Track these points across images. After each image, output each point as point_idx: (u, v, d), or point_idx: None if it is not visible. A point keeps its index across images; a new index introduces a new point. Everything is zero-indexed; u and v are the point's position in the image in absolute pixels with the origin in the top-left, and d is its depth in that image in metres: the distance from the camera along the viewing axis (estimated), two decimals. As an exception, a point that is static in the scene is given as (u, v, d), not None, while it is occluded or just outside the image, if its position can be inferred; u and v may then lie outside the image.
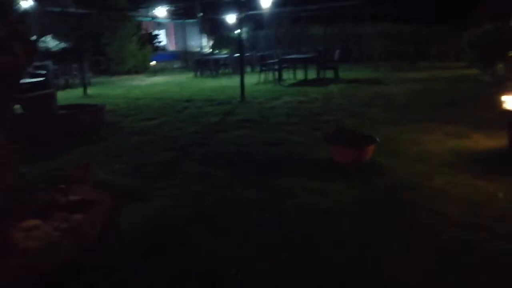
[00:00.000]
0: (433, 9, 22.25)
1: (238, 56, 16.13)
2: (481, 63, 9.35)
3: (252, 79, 12.63)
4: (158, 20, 21.68)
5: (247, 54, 17.43)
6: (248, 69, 16.70)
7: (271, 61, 12.59)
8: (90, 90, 11.63)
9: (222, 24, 24.97)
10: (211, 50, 25.78)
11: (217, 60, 15.49)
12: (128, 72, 17.98)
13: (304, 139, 4.96)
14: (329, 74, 12.06)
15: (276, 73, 11.94)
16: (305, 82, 11.52)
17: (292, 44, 23.99)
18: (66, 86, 12.39)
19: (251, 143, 4.88)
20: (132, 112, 7.54)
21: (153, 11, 17.63)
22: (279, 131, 5.41)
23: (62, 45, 17.65)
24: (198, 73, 15.10)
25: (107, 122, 6.62)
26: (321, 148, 4.36)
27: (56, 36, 16.81)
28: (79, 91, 11.35)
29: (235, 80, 12.95)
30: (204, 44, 26.71)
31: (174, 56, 24.44)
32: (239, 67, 8.70)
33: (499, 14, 19.74)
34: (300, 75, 12.76)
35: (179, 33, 26.11)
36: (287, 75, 12.78)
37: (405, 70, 13.69)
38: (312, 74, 11.93)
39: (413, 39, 21.51)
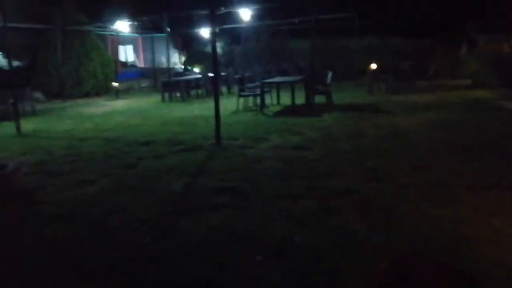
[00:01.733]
0: (420, 22, 21.04)
1: (212, 76, 14.31)
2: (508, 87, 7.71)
3: (229, 104, 10.74)
4: (122, 35, 19.56)
5: (223, 73, 15.57)
6: (224, 89, 14.81)
7: (251, 84, 10.70)
8: (29, 124, 9.42)
9: (195, 39, 23.08)
10: (183, 66, 23.80)
11: (188, 82, 13.51)
12: (87, 94, 15.76)
13: (320, 240, 3.03)
14: (320, 98, 10.29)
15: (257, 98, 10.06)
16: (292, 110, 9.67)
17: (271, 59, 22.30)
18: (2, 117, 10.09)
19: (234, 255, 2.91)
20: (66, 168, 5.46)
21: (114, 25, 15.51)
22: (276, 218, 3.47)
23: (15, 63, 15.35)
24: (167, 97, 13.06)
25: (22, 188, 4.54)
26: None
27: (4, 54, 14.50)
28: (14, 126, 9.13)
29: (208, 107, 10.98)
30: (175, 60, 24.72)
31: (142, 73, 22.32)
32: (213, 89, 6.76)
33: (492, 28, 18.65)
34: (285, 98, 10.94)
35: (149, 48, 24.05)
36: (270, 98, 10.93)
37: (403, 91, 12.06)
38: (299, 97, 10.08)
39: (404, 54, 20.23)
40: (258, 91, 10.08)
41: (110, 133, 7.91)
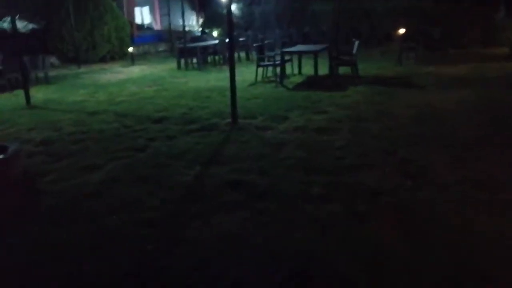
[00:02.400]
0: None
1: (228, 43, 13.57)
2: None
3: (247, 73, 10.21)
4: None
5: (241, 38, 14.84)
6: (242, 54, 14.14)
7: (271, 53, 10.03)
8: (41, 93, 9.13)
9: (213, 0, 22.09)
10: (201, 29, 22.98)
11: (204, 48, 12.88)
12: (103, 59, 15.35)
13: (347, 259, 2.60)
14: (344, 68, 9.61)
15: (278, 68, 9.44)
16: (315, 82, 9.05)
17: (293, 22, 21.25)
18: (15, 85, 9.78)
19: (247, 274, 2.52)
20: (72, 149, 5.12)
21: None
22: (297, 226, 3.04)
23: (31, 26, 14.97)
24: (183, 63, 12.52)
25: (22, 174, 4.23)
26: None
27: (23, 17, 14.10)
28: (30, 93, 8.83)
29: (226, 76, 10.30)
30: (193, 23, 23.89)
31: (159, 37, 21.66)
32: (229, 59, 6.20)
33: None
34: (307, 67, 10.30)
35: (165, 9, 23.20)
36: (291, 68, 10.30)
37: (435, 61, 11.19)
38: (322, 66, 9.40)
39: (434, 17, 18.91)
40: (278, 61, 9.44)
41: (122, 106, 7.51)
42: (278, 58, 9.56)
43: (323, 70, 9.58)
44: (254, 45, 9.86)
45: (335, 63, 9.05)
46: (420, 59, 11.56)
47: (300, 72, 10.36)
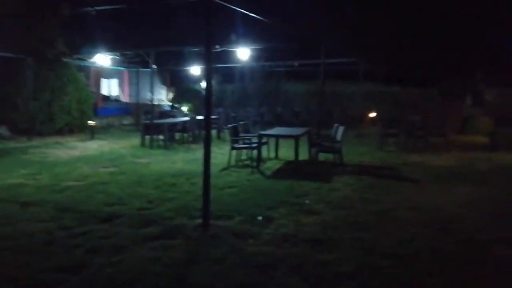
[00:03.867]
0: (423, 71, 20.13)
1: (201, 120, 12.76)
2: None
3: (218, 155, 9.16)
4: (107, 67, 18.06)
5: (213, 116, 14.05)
6: (213, 133, 13.21)
7: (246, 135, 9.13)
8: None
9: (185, 75, 21.75)
10: (170, 104, 22.32)
11: (173, 125, 11.89)
12: (60, 132, 14.00)
13: None
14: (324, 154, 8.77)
15: (254, 152, 8.48)
16: (295, 169, 8.10)
17: (265, 101, 20.99)
18: None
19: None
20: (-22, 263, 3.68)
21: (94, 58, 14.03)
22: None
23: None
24: (148, 140, 11.39)
25: None
26: None
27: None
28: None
29: (195, 157, 9.38)
30: (162, 97, 23.27)
31: (126, 109, 20.71)
32: (204, 144, 5.00)
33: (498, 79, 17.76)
34: (283, 150, 9.46)
35: (136, 82, 22.59)
36: (267, 150, 9.38)
37: (417, 149, 10.64)
38: (300, 151, 8.52)
39: (406, 103, 19.18)
40: (254, 144, 8.51)
41: (66, 195, 6.12)
42: (254, 140, 8.66)
43: (302, 154, 8.69)
44: (229, 126, 8.95)
45: (318, 149, 8.19)
46: (402, 146, 11.02)
47: (276, 156, 9.44)
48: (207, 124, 4.68)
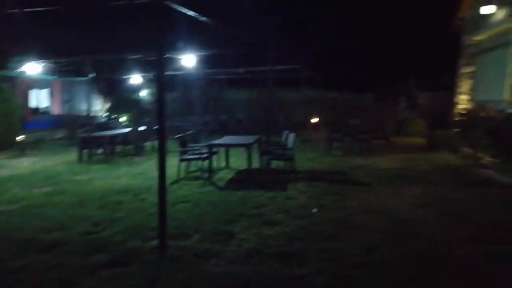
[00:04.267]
0: (360, 77, 20.98)
1: (144, 131, 12.16)
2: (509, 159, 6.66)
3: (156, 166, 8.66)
4: (36, 77, 16.73)
5: (156, 127, 13.46)
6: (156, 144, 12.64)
7: (195, 145, 8.78)
8: None
9: (123, 84, 20.81)
10: (107, 115, 21.18)
11: (113, 137, 11.19)
12: (-17, 148, 12.63)
13: None
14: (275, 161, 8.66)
15: (202, 162, 8.15)
16: (248, 178, 7.90)
17: (207, 109, 20.65)
18: None
19: None
20: None
21: (23, 67, 12.90)
22: None
23: None
24: (86, 155, 10.60)
25: None
26: None
27: None
28: None
29: (140, 171, 8.85)
30: (99, 108, 22.05)
31: (58, 122, 19.29)
32: (159, 167, 4.70)
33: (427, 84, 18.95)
34: (233, 159, 9.26)
35: (67, 93, 21.15)
36: (217, 160, 9.10)
37: (362, 152, 10.92)
38: (244, 158, 8.35)
39: (345, 108, 19.79)
40: (204, 154, 8.19)
41: (-4, 221, 5.42)
42: (202, 150, 8.34)
43: (253, 163, 8.53)
44: (176, 136, 8.55)
45: (270, 157, 8.07)
46: (347, 150, 11.26)
47: (227, 166, 9.19)
48: (161, 134, 4.32)
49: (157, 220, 4.31)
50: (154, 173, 8.40)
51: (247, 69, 15.35)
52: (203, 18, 5.85)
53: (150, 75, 17.46)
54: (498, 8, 11.32)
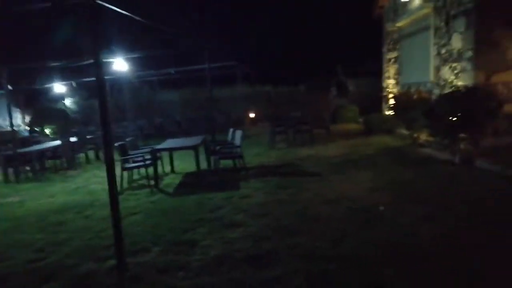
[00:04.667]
0: (292, 70, 21.33)
1: (76, 142, 11.20)
2: (445, 137, 7.04)
3: (105, 178, 8.10)
4: None
5: (89, 136, 12.63)
6: (89, 154, 11.86)
7: (136, 152, 8.29)
8: None
9: (43, 94, 19.28)
10: (28, 128, 19.50)
11: (41, 153, 10.25)
12: None
13: None
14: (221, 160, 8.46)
15: (149, 170, 7.71)
16: (198, 181, 7.63)
17: (140, 113, 19.80)
18: None
19: None
20: None
21: None
22: None
23: None
24: (12, 175, 9.59)
25: None
26: None
27: None
28: None
29: (76, 186, 8.17)
30: (19, 121, 20.22)
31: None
32: (108, 173, 4.28)
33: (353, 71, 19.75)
34: (178, 162, 8.92)
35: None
36: (161, 166, 8.69)
37: (305, 143, 11.06)
38: (191, 161, 8.07)
39: (281, 101, 20.01)
40: (148, 160, 7.76)
41: None
42: (146, 156, 7.89)
43: (193, 165, 8.27)
44: (116, 144, 7.99)
45: (219, 156, 7.83)
46: (291, 142, 11.35)
47: (173, 170, 8.81)
48: (106, 142, 3.93)
49: (110, 237, 3.94)
50: (94, 186, 7.89)
51: (179, 68, 14.87)
52: (138, 18, 5.44)
53: (74, 82, 16.30)
54: (415, -5, 12.02)
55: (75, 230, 5.31)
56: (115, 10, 4.54)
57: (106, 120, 3.88)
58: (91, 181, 8.63)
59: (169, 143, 8.47)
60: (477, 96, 6.46)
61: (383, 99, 15.88)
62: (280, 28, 22.83)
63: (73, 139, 11.50)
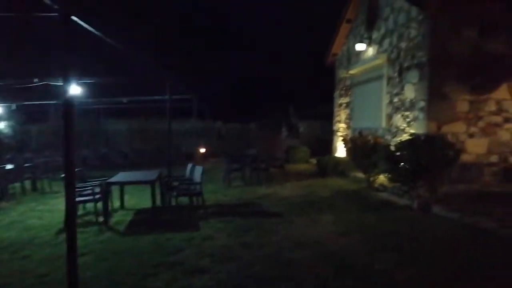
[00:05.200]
0: (244, 107, 21.45)
1: (11, 169, 10.10)
2: (405, 183, 7.17)
3: (46, 213, 7.41)
4: None
5: (27, 164, 11.54)
6: (27, 184, 10.79)
7: (86, 184, 7.59)
8: None
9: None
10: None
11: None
12: None
13: None
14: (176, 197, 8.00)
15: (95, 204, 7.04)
16: (153, 219, 7.08)
17: (84, 143, 18.65)
18: None
19: None
20: None
21: None
22: None
23: None
24: None
25: None
26: None
27: None
28: None
29: (13, 219, 7.23)
30: None
31: None
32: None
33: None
34: (127, 197, 8.31)
35: None
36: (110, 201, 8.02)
37: (261, 181, 10.86)
38: (140, 197, 7.53)
39: (231, 138, 19.87)
40: (97, 195, 7.10)
41: None
42: (95, 189, 7.22)
43: (147, 201, 7.75)
44: (62, 175, 7.26)
45: (177, 193, 7.36)
46: (246, 180, 11.10)
47: (122, 206, 8.15)
48: (68, 171, 3.44)
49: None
50: (32, 221, 7.09)
51: (132, 98, 14.29)
52: (111, 41, 5.07)
53: (14, 105, 15.09)
54: (369, 46, 12.70)
55: (12, 273, 4.58)
56: (86, 29, 4.16)
57: (70, 146, 3.41)
58: (27, 215, 7.72)
59: (122, 176, 7.87)
60: (436, 145, 6.70)
61: (333, 142, 16.30)
62: (234, 66, 23.12)
63: (8, 166, 10.41)
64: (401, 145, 7.04)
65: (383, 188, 9.00)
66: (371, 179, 9.19)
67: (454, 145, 6.97)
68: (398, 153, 7.04)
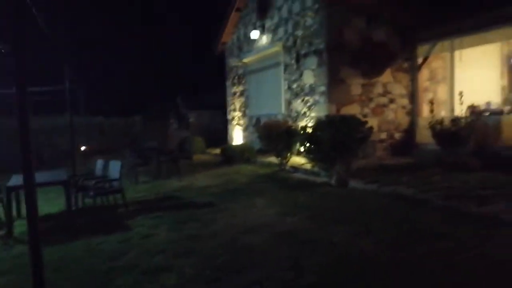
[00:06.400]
0: (129, 99, 20.08)
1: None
2: (326, 163, 7.58)
3: None
4: None
5: None
6: None
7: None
8: None
9: None
10: None
11: None
12: None
13: None
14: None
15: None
16: (68, 224, 6.19)
17: None
18: None
19: None
20: None
21: None
22: None
23: None
24: None
25: None
26: None
27: None
28: None
29: None
30: None
31: None
32: None
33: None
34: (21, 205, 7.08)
35: None
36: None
37: (168, 174, 10.37)
38: (52, 202, 6.62)
39: (116, 132, 18.51)
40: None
41: None
42: None
43: (49, 206, 6.79)
44: None
45: (95, 193, 6.54)
46: (153, 173, 10.49)
47: (19, 215, 6.93)
48: (28, 184, 2.77)
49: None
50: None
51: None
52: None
53: None
54: (262, 34, 13.05)
55: None
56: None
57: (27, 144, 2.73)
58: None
59: (17, 179, 6.66)
60: (351, 124, 7.28)
61: (229, 130, 16.43)
62: (113, 57, 21.47)
63: None
64: (320, 126, 7.45)
65: (293, 169, 9.44)
66: (284, 161, 9.54)
67: (366, 123, 7.64)
68: (317, 134, 7.43)
